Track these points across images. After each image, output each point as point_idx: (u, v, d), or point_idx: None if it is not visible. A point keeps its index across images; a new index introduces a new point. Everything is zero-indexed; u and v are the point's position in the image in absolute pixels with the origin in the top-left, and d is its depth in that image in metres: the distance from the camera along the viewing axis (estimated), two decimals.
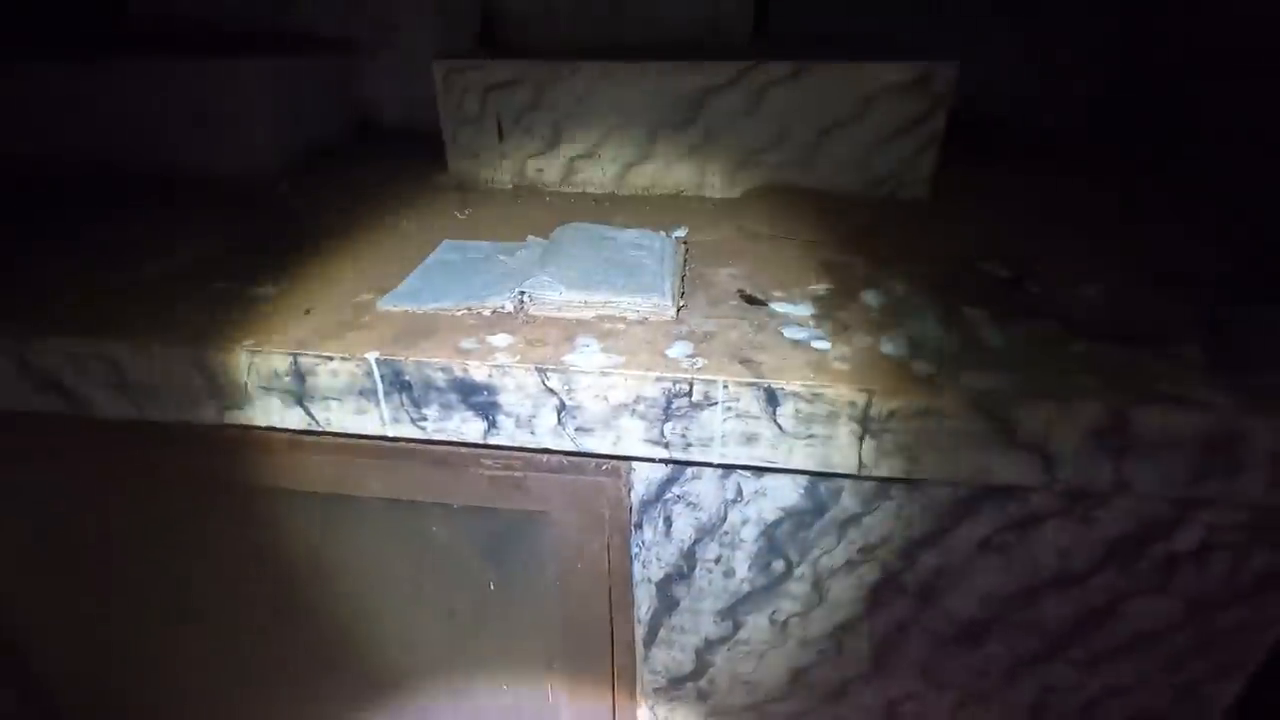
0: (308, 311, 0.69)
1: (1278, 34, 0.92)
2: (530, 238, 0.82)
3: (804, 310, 0.68)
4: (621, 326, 0.65)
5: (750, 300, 0.70)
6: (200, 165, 1.10)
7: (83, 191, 1.04)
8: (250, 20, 1.31)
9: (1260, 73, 0.96)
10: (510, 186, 1.05)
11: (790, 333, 0.64)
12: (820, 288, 0.73)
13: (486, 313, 0.67)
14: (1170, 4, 1.16)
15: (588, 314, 0.67)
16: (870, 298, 0.71)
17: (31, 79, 1.09)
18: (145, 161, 1.10)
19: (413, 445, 0.70)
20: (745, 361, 0.59)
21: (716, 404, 0.58)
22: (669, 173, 1.02)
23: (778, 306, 0.69)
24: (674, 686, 0.82)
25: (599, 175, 1.03)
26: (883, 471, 0.60)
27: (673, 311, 0.67)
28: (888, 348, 0.62)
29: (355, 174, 1.10)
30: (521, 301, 0.67)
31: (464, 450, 0.70)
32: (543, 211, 0.96)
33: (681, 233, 0.86)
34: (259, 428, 0.68)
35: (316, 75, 1.21)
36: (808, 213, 0.93)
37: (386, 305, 0.69)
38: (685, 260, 0.79)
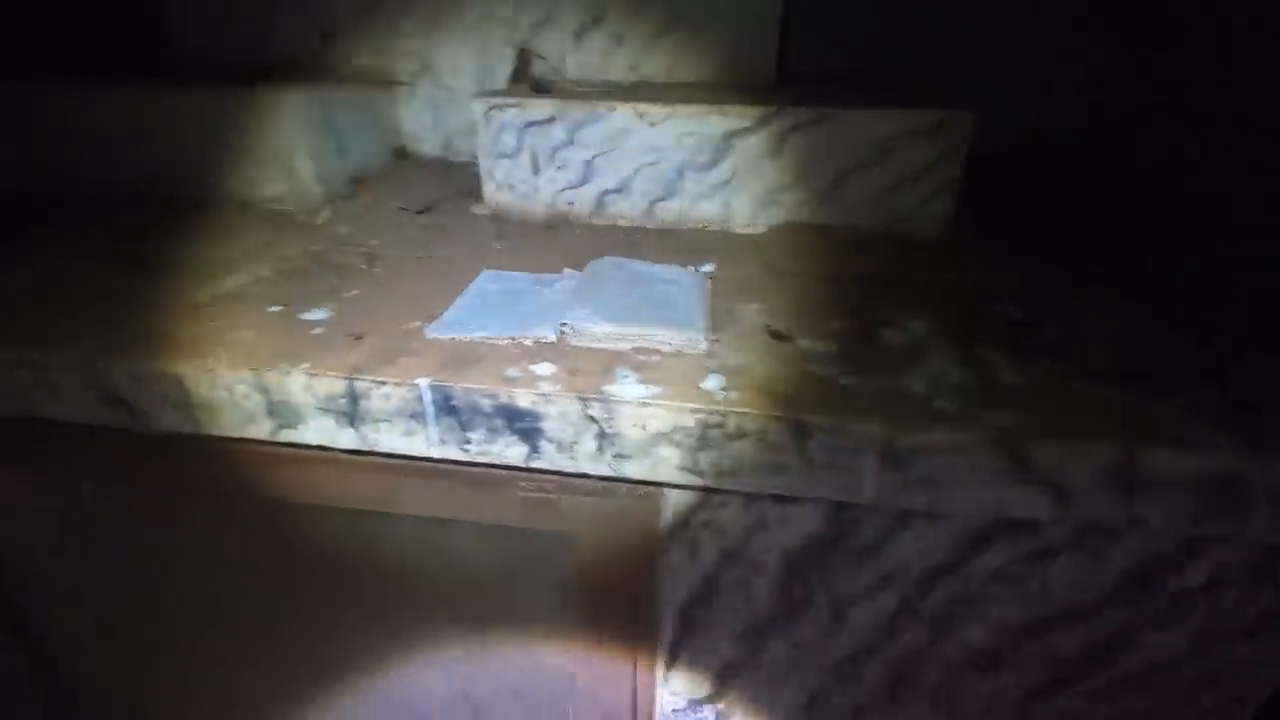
0: (359, 338, 0.73)
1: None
2: (566, 270, 0.87)
3: (828, 347, 0.72)
4: (657, 359, 0.69)
5: (777, 336, 0.74)
6: (245, 192, 1.15)
7: (136, 215, 1.09)
8: (293, 54, 1.37)
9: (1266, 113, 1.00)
10: (543, 218, 1.09)
11: (815, 368, 0.68)
12: (842, 325, 0.77)
13: (529, 342, 0.71)
14: (1183, 43, 1.21)
15: (625, 346, 0.71)
16: (890, 336, 0.75)
17: (82, 106, 1.15)
18: (193, 188, 1.15)
19: (452, 466, 0.73)
20: (775, 395, 0.63)
21: (749, 436, 0.61)
22: (695, 208, 1.06)
23: (803, 342, 0.73)
24: (692, 709, 0.85)
25: (628, 209, 1.07)
26: (903, 504, 0.63)
27: (705, 345, 0.70)
28: (909, 385, 0.65)
29: (394, 203, 1.15)
30: (563, 332, 0.71)
31: (501, 473, 0.73)
32: (574, 242, 1.00)
33: (709, 268, 0.90)
34: (309, 446, 0.71)
35: (357, 106, 1.26)
36: (829, 250, 0.97)
37: (434, 333, 0.72)
38: (713, 295, 0.83)
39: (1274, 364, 0.71)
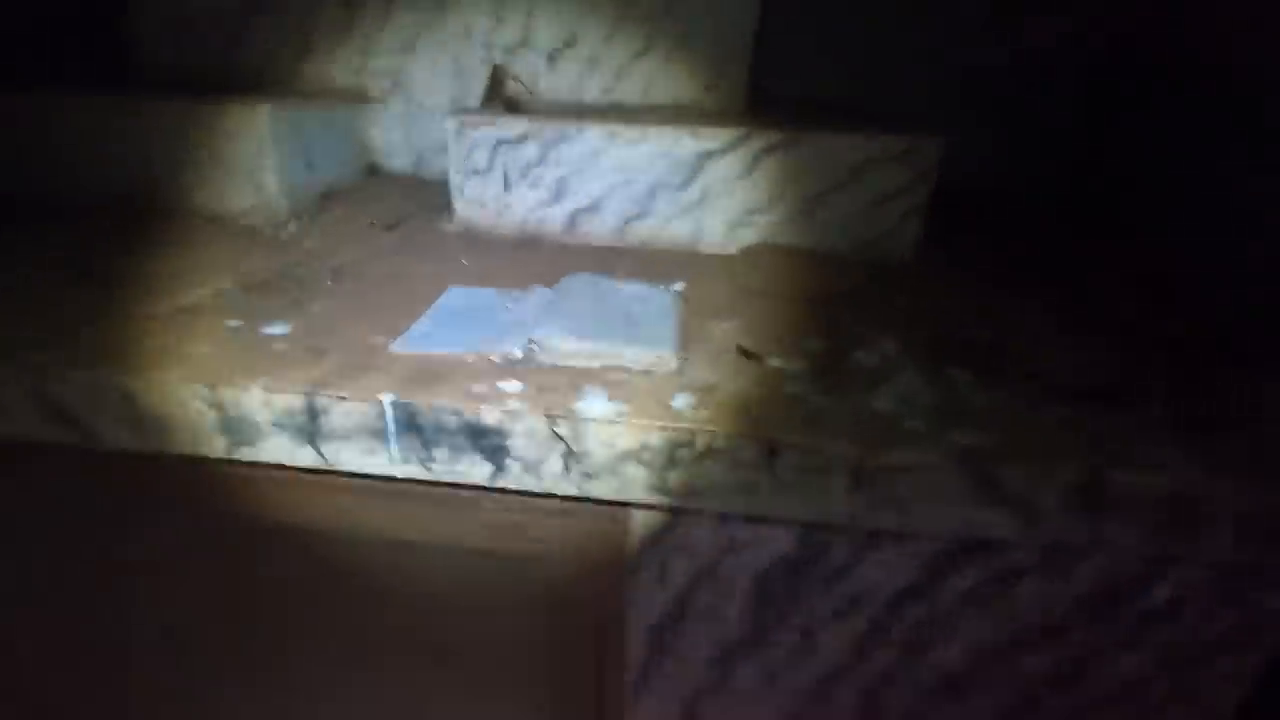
0: (321, 353, 0.71)
1: (1237, 110, 1.00)
2: (536, 287, 0.86)
3: (799, 366, 0.72)
4: (625, 377, 0.68)
5: (748, 355, 0.74)
6: (212, 206, 1.12)
7: (97, 225, 1.06)
8: (265, 68, 1.35)
9: (1217, 146, 1.04)
10: (514, 236, 1.09)
11: (786, 388, 0.67)
12: (813, 345, 0.77)
13: (496, 359, 0.70)
14: (1137, 74, 1.25)
15: (594, 364, 0.70)
16: (861, 356, 0.75)
17: (47, 115, 1.12)
18: (158, 200, 1.13)
19: (416, 487, 0.71)
20: (746, 414, 0.62)
21: (717, 454, 0.60)
22: (667, 228, 1.06)
23: (774, 362, 0.73)
24: None
25: (599, 228, 1.07)
26: (873, 523, 0.62)
27: (675, 364, 0.70)
28: (880, 404, 0.65)
29: (363, 218, 1.13)
30: (531, 349, 0.70)
31: (465, 493, 0.72)
32: (545, 261, 0.99)
33: (679, 287, 0.90)
34: (265, 464, 0.69)
35: (328, 121, 1.25)
36: (800, 271, 0.97)
37: (398, 348, 0.71)
38: (684, 314, 0.82)
39: (1231, 381, 0.73)
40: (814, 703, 0.78)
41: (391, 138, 1.38)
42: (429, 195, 1.26)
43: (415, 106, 1.36)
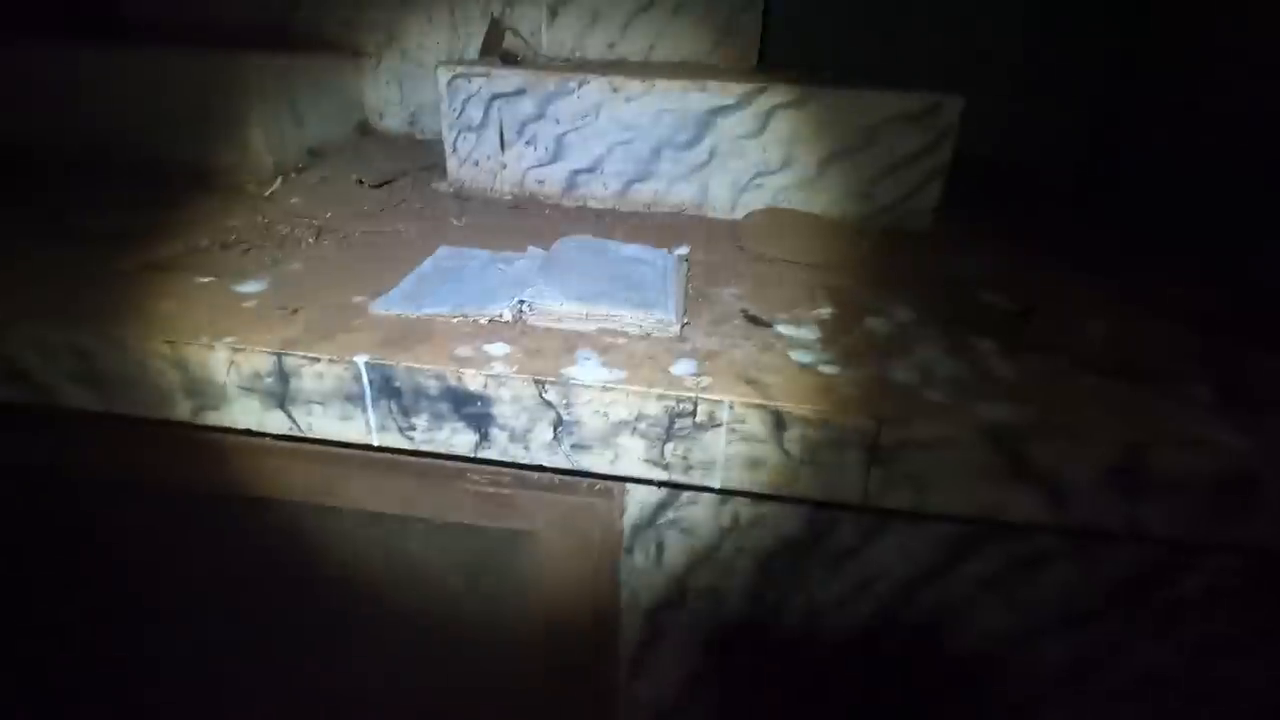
0: (294, 311, 0.66)
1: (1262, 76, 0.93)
2: (530, 247, 0.80)
3: (809, 334, 0.67)
4: (623, 341, 0.63)
5: (754, 321, 0.69)
6: (194, 159, 1.07)
7: (69, 178, 1.01)
8: (255, 21, 1.29)
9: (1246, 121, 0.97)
10: (509, 197, 1.03)
11: (797, 356, 0.62)
12: (825, 312, 0.72)
13: (483, 320, 0.65)
14: (1163, 44, 1.18)
15: (589, 326, 0.65)
16: (876, 324, 0.69)
17: (30, 64, 1.06)
18: (140, 153, 1.07)
19: (397, 457, 0.67)
20: (752, 383, 0.57)
21: (721, 425, 0.55)
22: (671, 191, 1.00)
23: (782, 329, 0.67)
24: None
25: (600, 190, 1.01)
26: (888, 503, 0.57)
27: (676, 328, 0.64)
28: (898, 375, 0.60)
29: (351, 177, 1.08)
30: (521, 310, 0.65)
31: (450, 464, 0.67)
32: (541, 223, 0.94)
33: (683, 251, 0.85)
34: (235, 430, 0.64)
35: (318, 76, 1.19)
36: (810, 237, 0.92)
37: (379, 309, 0.66)
38: (687, 278, 0.77)
39: (1274, 361, 0.67)
40: (815, 691, 0.74)
41: (384, 95, 1.32)
42: (422, 155, 1.20)
43: (410, 62, 1.29)
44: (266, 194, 1.00)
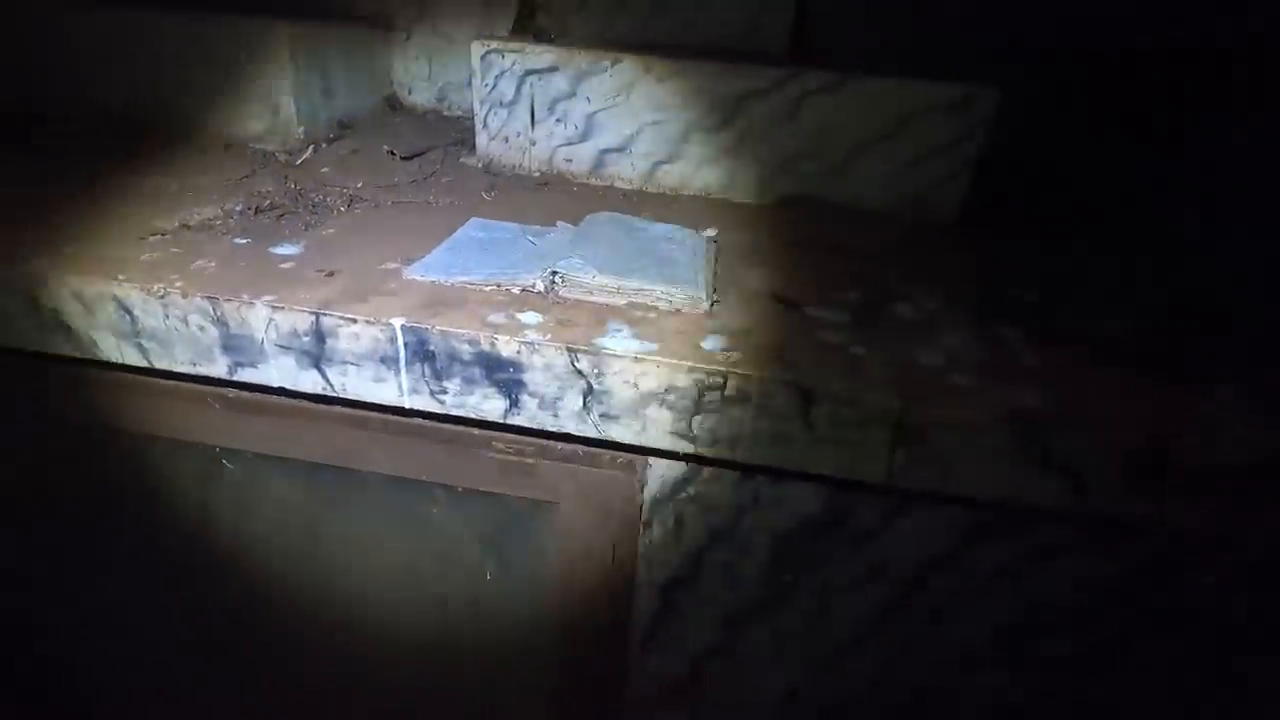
0: (330, 274, 0.67)
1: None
2: (560, 222, 0.81)
3: (838, 316, 0.67)
4: (653, 315, 0.64)
5: (783, 302, 0.69)
6: (227, 127, 1.08)
7: (107, 141, 1.02)
8: None
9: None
10: (538, 174, 1.04)
11: (826, 336, 0.63)
12: (853, 296, 0.72)
13: (516, 290, 0.66)
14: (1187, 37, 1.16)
15: (619, 300, 0.65)
16: (904, 310, 0.70)
17: (63, 27, 1.07)
18: (173, 118, 1.08)
19: (424, 422, 0.68)
20: (781, 360, 0.58)
21: (750, 400, 0.56)
22: (699, 174, 1.01)
23: (811, 311, 0.68)
24: (664, 694, 0.80)
25: (628, 170, 1.02)
26: (910, 483, 0.58)
27: (706, 305, 0.65)
28: (925, 358, 0.60)
29: (381, 149, 1.08)
30: (553, 281, 0.66)
31: (476, 433, 0.68)
32: (569, 201, 0.94)
33: (712, 232, 0.85)
34: (269, 388, 0.65)
35: (349, 47, 1.19)
36: (837, 225, 0.92)
37: (413, 274, 0.67)
38: (717, 259, 0.77)
39: None
40: (826, 671, 0.75)
41: (413, 70, 1.32)
42: (450, 130, 1.21)
43: (440, 38, 1.30)
44: (299, 162, 1.00)
